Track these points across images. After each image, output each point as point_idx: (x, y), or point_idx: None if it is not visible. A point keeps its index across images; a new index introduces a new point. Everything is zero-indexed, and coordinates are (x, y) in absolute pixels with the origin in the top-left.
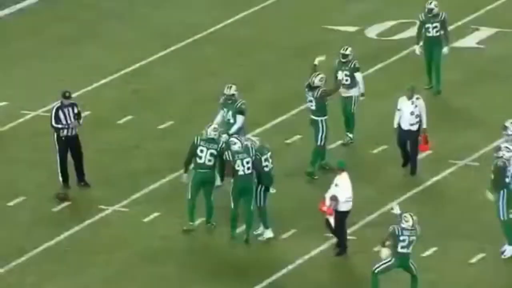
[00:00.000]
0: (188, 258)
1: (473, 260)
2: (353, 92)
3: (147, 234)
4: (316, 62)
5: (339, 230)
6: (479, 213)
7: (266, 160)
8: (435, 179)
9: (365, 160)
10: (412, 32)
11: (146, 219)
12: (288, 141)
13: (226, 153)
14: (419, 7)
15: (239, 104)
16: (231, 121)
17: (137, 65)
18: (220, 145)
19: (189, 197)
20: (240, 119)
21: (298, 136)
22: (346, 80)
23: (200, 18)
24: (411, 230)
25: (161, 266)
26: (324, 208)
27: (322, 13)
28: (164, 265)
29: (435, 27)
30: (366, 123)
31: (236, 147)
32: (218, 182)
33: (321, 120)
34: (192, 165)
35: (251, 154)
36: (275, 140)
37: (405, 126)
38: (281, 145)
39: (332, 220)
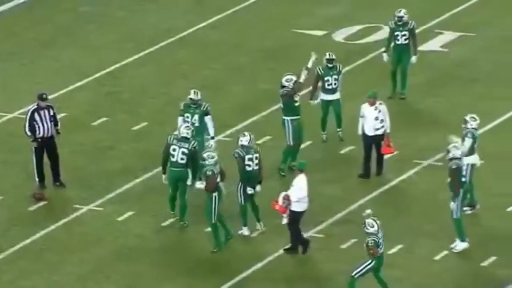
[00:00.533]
0: (161, 256)
1: (437, 257)
2: (339, 95)
3: (122, 233)
4: (309, 65)
5: (292, 229)
6: (442, 212)
7: (250, 159)
8: (400, 178)
9: (334, 160)
10: (378, 36)
11: (120, 218)
12: (258, 142)
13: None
14: (385, 12)
15: (206, 107)
16: (197, 124)
17: (112, 67)
18: (192, 144)
19: (170, 191)
20: (210, 119)
21: (268, 137)
22: (335, 84)
23: (173, 22)
24: (375, 235)
25: (135, 263)
26: (277, 207)
27: (292, 18)
28: (138, 263)
29: (404, 35)
30: (334, 124)
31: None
32: (189, 181)
33: (287, 120)
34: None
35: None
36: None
37: (370, 132)
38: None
39: (285, 219)
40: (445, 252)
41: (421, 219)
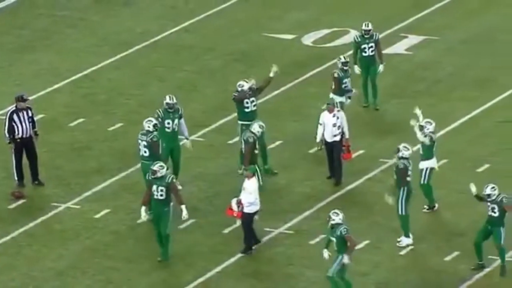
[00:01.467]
0: (136, 252)
1: (402, 253)
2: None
3: (98, 230)
4: (271, 74)
5: (247, 230)
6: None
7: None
8: (366, 177)
9: (303, 159)
10: (345, 40)
11: (97, 216)
12: (230, 141)
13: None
14: (351, 16)
15: (181, 111)
16: (176, 129)
17: (89, 70)
18: (149, 137)
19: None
20: (183, 122)
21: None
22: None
23: (148, 27)
24: (341, 225)
25: (111, 259)
26: (234, 214)
27: (262, 22)
28: (114, 259)
29: (371, 47)
30: (303, 125)
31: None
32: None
33: (238, 124)
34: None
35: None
36: (218, 141)
37: (329, 138)
38: (223, 146)
39: (239, 221)
40: (410, 247)
41: (387, 216)
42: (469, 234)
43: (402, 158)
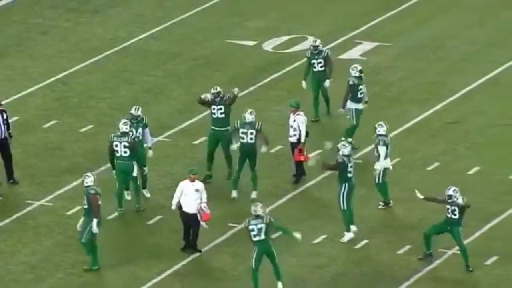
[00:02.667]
0: (106, 247)
1: (358, 246)
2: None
3: (70, 226)
4: (235, 93)
5: (198, 231)
6: (363, 204)
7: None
8: (324, 175)
9: (265, 158)
10: (303, 46)
11: (69, 212)
12: (195, 142)
13: None
14: (309, 24)
15: (145, 120)
16: (140, 137)
17: (61, 75)
18: (130, 137)
19: (117, 186)
20: (148, 131)
21: (204, 138)
22: (362, 93)
23: (117, 33)
24: (257, 218)
25: (83, 254)
26: (210, 217)
27: (225, 29)
28: (84, 253)
29: (320, 62)
30: (264, 126)
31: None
32: (134, 172)
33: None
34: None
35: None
36: (184, 141)
37: (290, 138)
38: (188, 146)
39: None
40: (365, 241)
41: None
42: (420, 228)
43: (342, 155)
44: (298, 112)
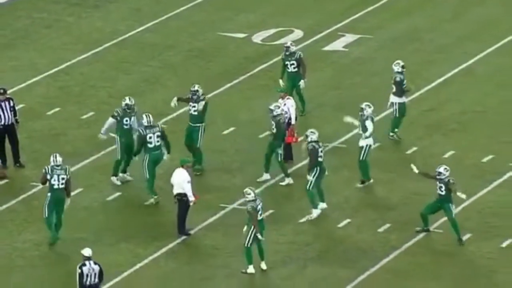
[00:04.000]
0: (106, 226)
1: (340, 225)
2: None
3: (72, 206)
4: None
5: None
6: (346, 186)
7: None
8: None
9: (255, 143)
10: (289, 38)
11: (71, 194)
12: None
13: None
14: (295, 18)
15: (136, 110)
16: (132, 126)
17: (64, 65)
18: (159, 128)
19: (148, 176)
20: (136, 119)
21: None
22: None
23: (116, 27)
24: (253, 201)
25: (84, 232)
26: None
27: (217, 23)
28: (86, 231)
29: (292, 64)
30: (253, 113)
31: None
32: (165, 157)
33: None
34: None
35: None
36: (178, 128)
37: None
38: (183, 132)
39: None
40: (348, 220)
41: (328, 193)
42: (399, 208)
43: (311, 142)
44: (287, 97)
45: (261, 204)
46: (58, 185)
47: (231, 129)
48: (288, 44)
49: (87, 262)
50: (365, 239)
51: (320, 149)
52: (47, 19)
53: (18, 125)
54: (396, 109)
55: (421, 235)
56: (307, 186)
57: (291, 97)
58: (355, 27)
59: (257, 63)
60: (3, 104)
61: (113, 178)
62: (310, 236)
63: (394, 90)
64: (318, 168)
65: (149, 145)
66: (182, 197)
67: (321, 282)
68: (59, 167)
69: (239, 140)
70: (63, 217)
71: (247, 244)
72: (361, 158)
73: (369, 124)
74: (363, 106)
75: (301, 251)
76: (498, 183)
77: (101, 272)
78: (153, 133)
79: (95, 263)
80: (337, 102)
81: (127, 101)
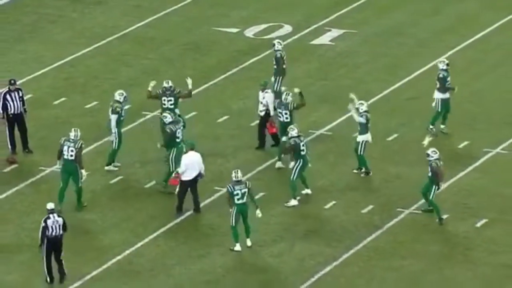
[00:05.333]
0: (109, 207)
1: (327, 207)
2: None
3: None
4: (189, 86)
5: (179, 193)
6: (332, 171)
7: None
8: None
9: (246, 130)
10: (279, 32)
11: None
12: (186, 116)
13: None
14: (284, 14)
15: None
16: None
17: (69, 58)
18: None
19: (173, 168)
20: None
21: (194, 113)
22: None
23: (117, 22)
24: (240, 184)
25: (89, 213)
26: (171, 180)
27: (211, 18)
28: (91, 212)
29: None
30: (245, 103)
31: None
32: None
33: None
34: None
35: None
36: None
37: (260, 113)
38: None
39: (177, 188)
40: (334, 202)
41: (315, 177)
42: (381, 191)
43: (292, 137)
44: (266, 90)
45: (245, 189)
46: (67, 156)
47: (225, 117)
48: (274, 42)
49: (51, 215)
50: (349, 219)
51: (301, 143)
52: (52, 15)
53: (27, 114)
54: (438, 104)
55: (402, 215)
56: (291, 177)
57: (269, 90)
58: (340, 23)
59: (249, 56)
60: (12, 94)
61: (109, 167)
62: (298, 217)
63: (438, 86)
64: (301, 160)
65: (177, 140)
66: (194, 181)
67: (308, 259)
68: (72, 141)
69: (232, 127)
70: (80, 187)
71: (232, 223)
72: (359, 152)
73: (362, 121)
74: (357, 105)
75: (290, 231)
76: (473, 167)
77: (64, 224)
78: (179, 128)
79: (58, 216)
80: (324, 92)
81: (125, 94)
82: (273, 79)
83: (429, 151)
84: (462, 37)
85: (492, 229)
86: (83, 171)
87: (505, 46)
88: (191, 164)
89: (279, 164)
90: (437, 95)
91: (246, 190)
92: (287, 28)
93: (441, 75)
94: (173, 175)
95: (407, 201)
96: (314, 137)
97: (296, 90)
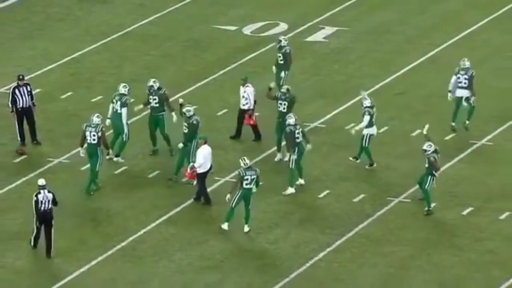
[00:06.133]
0: (114, 195)
1: (321, 196)
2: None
3: (84, 179)
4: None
5: (200, 185)
6: (324, 161)
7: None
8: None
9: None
10: (275, 30)
11: (82, 168)
12: (184, 110)
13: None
14: (280, 12)
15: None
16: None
17: (75, 54)
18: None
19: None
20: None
21: (195, 106)
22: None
23: (121, 20)
24: (251, 170)
25: (95, 201)
26: (187, 175)
27: (211, 16)
28: (97, 200)
29: (280, 56)
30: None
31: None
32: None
33: None
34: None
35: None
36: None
37: (240, 106)
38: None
39: (195, 182)
40: (327, 191)
41: (309, 166)
42: (372, 181)
43: (288, 125)
44: (247, 84)
45: (254, 175)
46: (90, 140)
47: (224, 110)
48: (280, 39)
49: (41, 191)
50: (342, 208)
51: (296, 131)
52: (60, 13)
53: (35, 108)
54: (474, 101)
55: (392, 204)
56: (289, 165)
57: (249, 85)
58: (333, 21)
59: (246, 53)
60: (21, 89)
61: (118, 158)
62: (294, 205)
63: (467, 85)
64: (297, 147)
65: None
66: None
67: (303, 245)
68: (93, 126)
69: (231, 120)
70: (97, 170)
71: (232, 204)
72: (364, 145)
73: (365, 117)
74: (361, 99)
75: (286, 219)
76: (459, 158)
77: (54, 199)
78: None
79: (48, 191)
80: (318, 87)
81: (128, 86)
82: (283, 74)
83: (424, 146)
84: (448, 35)
85: (478, 217)
86: (110, 151)
87: (489, 44)
88: (207, 157)
89: (279, 156)
90: (468, 93)
91: (255, 176)
92: (282, 26)
93: (473, 74)
94: (189, 170)
95: (396, 191)
96: (309, 129)
97: (272, 84)
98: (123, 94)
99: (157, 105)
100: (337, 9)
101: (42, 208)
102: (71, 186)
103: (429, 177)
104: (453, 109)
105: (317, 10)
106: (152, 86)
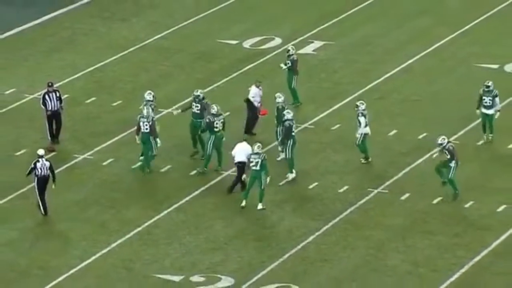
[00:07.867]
0: (133, 187)
1: (311, 186)
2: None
3: (105, 173)
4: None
5: (238, 176)
6: (316, 155)
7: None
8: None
9: (244, 125)
10: (272, 44)
11: (104, 163)
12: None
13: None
14: (276, 28)
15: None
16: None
17: (98, 65)
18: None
19: (209, 152)
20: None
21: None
22: (489, 102)
23: (138, 35)
24: (256, 154)
25: (114, 192)
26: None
27: (215, 32)
28: (116, 192)
29: (287, 63)
30: (241, 102)
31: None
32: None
33: None
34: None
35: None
36: (187, 112)
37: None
38: (190, 114)
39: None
40: (316, 183)
41: (300, 162)
42: (355, 173)
43: (287, 120)
44: (260, 87)
45: (258, 159)
46: (143, 129)
47: (227, 113)
48: (289, 48)
49: (40, 159)
50: (329, 197)
51: (293, 126)
52: (85, 29)
53: (63, 111)
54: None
55: (372, 194)
56: (286, 155)
57: (261, 87)
58: (321, 35)
59: (246, 63)
60: (50, 95)
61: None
62: (287, 195)
63: (490, 103)
64: (292, 140)
65: (215, 129)
66: (242, 165)
67: (295, 230)
68: (145, 117)
69: (233, 121)
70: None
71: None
72: (356, 143)
73: (361, 119)
74: (358, 103)
75: (280, 207)
76: (430, 154)
77: (51, 167)
78: (219, 120)
79: (46, 160)
80: (308, 93)
81: (153, 92)
82: (294, 80)
83: (439, 140)
84: (421, 47)
85: (446, 206)
86: (158, 139)
87: (457, 55)
88: (243, 151)
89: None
90: (492, 111)
91: (259, 160)
92: (277, 40)
93: (497, 94)
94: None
95: (376, 183)
96: (300, 130)
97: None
98: (150, 101)
99: (198, 111)
100: (325, 25)
101: (41, 174)
102: (94, 179)
103: (452, 166)
104: (482, 123)
105: (307, 26)
106: (198, 95)
